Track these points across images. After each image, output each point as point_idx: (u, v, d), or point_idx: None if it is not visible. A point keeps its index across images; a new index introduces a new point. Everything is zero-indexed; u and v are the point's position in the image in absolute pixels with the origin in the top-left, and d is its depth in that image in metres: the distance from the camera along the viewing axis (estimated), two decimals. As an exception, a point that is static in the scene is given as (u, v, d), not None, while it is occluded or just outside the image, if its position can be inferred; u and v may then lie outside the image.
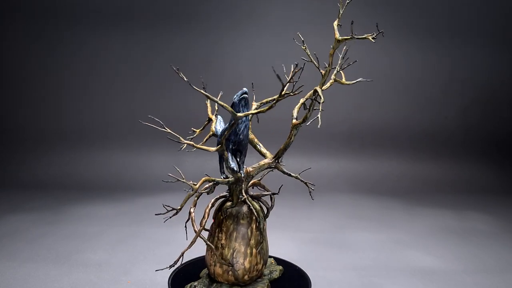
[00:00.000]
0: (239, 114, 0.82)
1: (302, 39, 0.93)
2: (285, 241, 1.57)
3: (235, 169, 0.91)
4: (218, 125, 1.05)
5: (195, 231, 0.92)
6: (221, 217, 1.00)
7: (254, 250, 0.99)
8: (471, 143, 2.90)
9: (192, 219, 0.93)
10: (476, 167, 2.78)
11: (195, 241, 0.92)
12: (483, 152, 2.88)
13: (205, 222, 0.94)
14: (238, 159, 0.96)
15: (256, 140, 1.04)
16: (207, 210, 0.97)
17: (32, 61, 2.78)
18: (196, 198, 0.95)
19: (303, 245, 1.54)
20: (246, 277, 0.99)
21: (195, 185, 0.90)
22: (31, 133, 2.79)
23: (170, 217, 0.93)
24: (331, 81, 0.96)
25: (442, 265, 1.38)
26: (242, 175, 0.94)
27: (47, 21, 2.73)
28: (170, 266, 0.94)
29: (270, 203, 1.05)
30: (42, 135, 2.78)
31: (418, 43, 2.81)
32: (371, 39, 0.81)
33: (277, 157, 0.97)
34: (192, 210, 0.94)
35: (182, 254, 0.92)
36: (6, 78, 2.80)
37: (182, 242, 1.54)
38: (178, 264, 0.93)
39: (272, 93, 1.09)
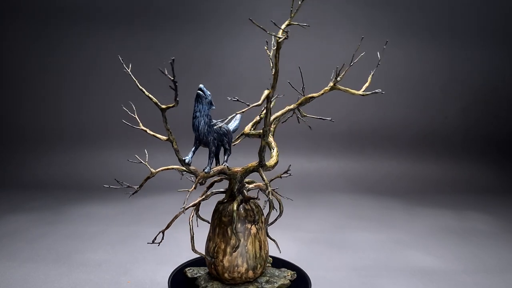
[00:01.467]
0: (162, 106, 0.86)
1: (267, 40, 0.94)
2: (285, 241, 1.57)
3: (186, 161, 0.93)
4: (233, 122, 1.07)
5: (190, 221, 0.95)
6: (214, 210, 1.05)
7: (235, 250, 0.99)
8: (471, 143, 2.90)
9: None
10: (476, 167, 2.78)
11: (171, 223, 0.98)
12: (483, 152, 2.88)
13: (183, 209, 0.97)
14: (226, 155, 1.00)
15: (273, 144, 1.03)
16: (186, 198, 0.97)
17: (32, 61, 2.78)
18: (205, 189, 0.99)
19: (303, 245, 1.54)
20: (226, 275, 1.00)
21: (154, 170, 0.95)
22: (31, 133, 2.79)
23: (133, 194, 0.99)
24: (325, 88, 0.94)
25: (442, 265, 1.38)
26: (206, 171, 0.95)
27: (47, 21, 2.73)
28: (153, 242, 0.97)
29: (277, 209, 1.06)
30: (42, 135, 2.78)
31: (418, 43, 2.81)
32: (282, 38, 0.80)
33: (260, 161, 0.97)
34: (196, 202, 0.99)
35: (163, 232, 0.99)
36: (6, 78, 2.80)
37: (182, 242, 1.54)
38: (161, 240, 0.97)
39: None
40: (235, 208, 0.97)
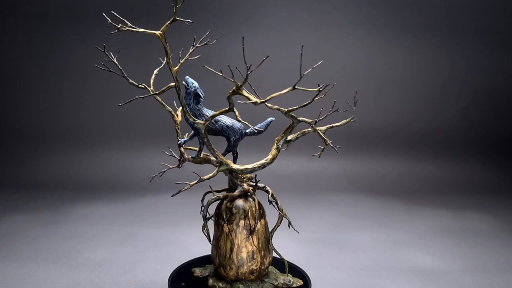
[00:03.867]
0: (151, 90, 0.97)
1: (195, 37, 0.94)
2: (285, 241, 1.57)
3: (178, 142, 1.00)
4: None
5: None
6: None
7: (214, 242, 1.05)
8: (471, 143, 2.90)
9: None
10: (476, 167, 2.78)
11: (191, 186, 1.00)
12: (483, 152, 2.88)
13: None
14: (225, 150, 1.04)
15: (270, 152, 1.00)
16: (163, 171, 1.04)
17: (31, 61, 2.78)
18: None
19: (303, 245, 1.54)
20: (213, 261, 1.07)
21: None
22: (31, 133, 2.79)
23: (179, 165, 1.03)
24: (230, 92, 0.89)
25: (442, 265, 1.38)
26: (192, 156, 1.01)
27: (46, 21, 2.73)
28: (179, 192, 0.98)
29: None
30: (42, 135, 2.78)
31: (417, 42, 2.81)
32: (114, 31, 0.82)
33: (219, 163, 0.99)
34: None
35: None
36: (6, 78, 2.80)
37: (182, 242, 1.54)
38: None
39: (269, 93, 1.09)
40: (208, 200, 1.02)
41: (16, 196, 2.20)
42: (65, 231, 1.65)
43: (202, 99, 0.95)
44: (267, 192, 1.03)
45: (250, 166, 0.98)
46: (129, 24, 0.82)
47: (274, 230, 1.05)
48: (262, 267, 1.04)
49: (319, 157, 1.09)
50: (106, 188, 2.42)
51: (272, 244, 1.05)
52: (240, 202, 1.02)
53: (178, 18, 0.83)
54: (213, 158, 1.01)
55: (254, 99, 0.86)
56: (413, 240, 1.62)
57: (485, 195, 2.42)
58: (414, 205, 2.17)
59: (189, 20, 0.83)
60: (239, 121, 0.91)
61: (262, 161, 0.98)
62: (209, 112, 0.98)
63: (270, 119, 1.05)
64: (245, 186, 1.03)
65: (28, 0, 2.71)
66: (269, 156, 0.99)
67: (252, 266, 1.02)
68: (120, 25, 0.81)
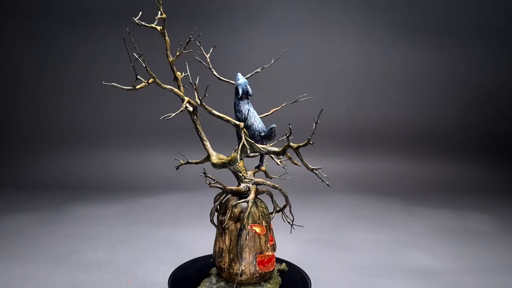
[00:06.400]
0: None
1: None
2: (285, 241, 1.57)
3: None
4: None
5: None
6: None
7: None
8: (471, 143, 2.90)
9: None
10: (476, 167, 2.78)
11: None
12: (483, 152, 2.88)
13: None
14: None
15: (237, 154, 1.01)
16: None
17: (31, 61, 2.78)
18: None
19: (303, 245, 1.54)
20: None
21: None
22: (31, 133, 2.79)
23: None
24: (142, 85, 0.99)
25: (442, 265, 1.38)
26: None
27: (47, 21, 2.73)
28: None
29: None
30: (42, 135, 2.78)
31: (417, 42, 2.81)
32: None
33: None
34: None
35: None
36: (6, 78, 2.80)
37: (182, 242, 1.54)
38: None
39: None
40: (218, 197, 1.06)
41: (16, 196, 2.20)
42: (65, 231, 1.65)
43: (240, 95, 1.00)
44: (247, 195, 1.00)
45: (215, 161, 0.99)
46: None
47: (239, 240, 0.97)
48: (231, 271, 0.99)
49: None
50: (106, 188, 2.42)
51: (239, 253, 0.97)
52: (232, 199, 1.03)
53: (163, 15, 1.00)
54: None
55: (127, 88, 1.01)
56: (413, 240, 1.62)
57: (485, 195, 2.42)
58: (414, 205, 2.17)
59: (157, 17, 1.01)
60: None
61: (223, 160, 0.99)
62: (244, 107, 1.01)
63: (272, 126, 1.05)
64: (242, 185, 1.04)
65: (28, 0, 2.71)
66: (228, 157, 0.99)
67: (220, 263, 1.01)
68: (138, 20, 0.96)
